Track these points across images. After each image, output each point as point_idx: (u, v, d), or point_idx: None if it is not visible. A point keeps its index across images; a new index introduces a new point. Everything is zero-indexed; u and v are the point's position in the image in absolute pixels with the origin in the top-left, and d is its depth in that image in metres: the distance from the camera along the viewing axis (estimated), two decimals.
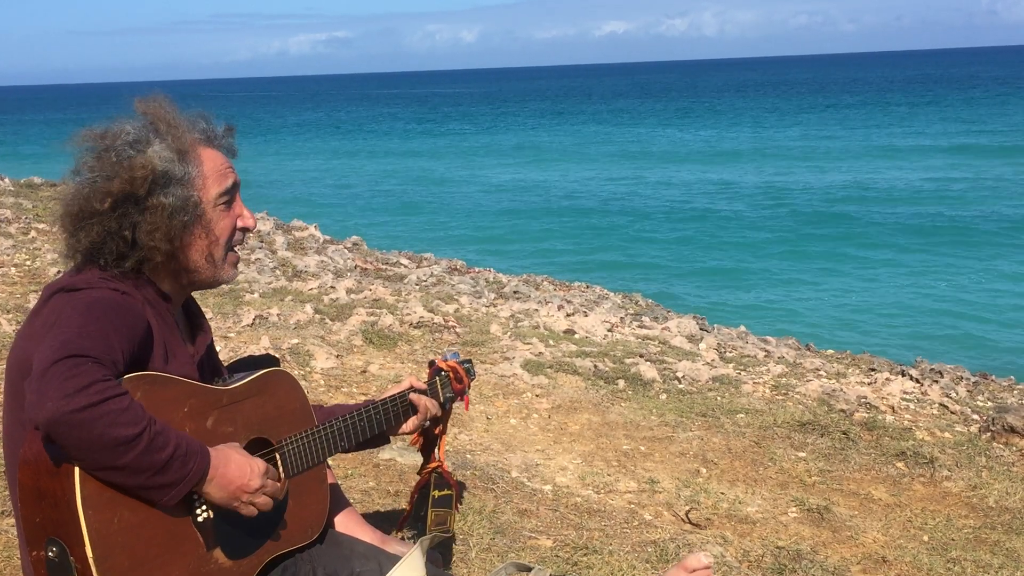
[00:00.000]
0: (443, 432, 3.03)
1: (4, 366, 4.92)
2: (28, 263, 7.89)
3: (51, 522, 1.91)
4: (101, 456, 1.84)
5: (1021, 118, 54.98)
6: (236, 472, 2.04)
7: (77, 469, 1.87)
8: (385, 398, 2.73)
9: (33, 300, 6.52)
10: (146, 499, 1.94)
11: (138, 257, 2.13)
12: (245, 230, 2.30)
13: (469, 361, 3.09)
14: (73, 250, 2.16)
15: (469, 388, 3.04)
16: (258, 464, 2.10)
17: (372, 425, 2.65)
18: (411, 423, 2.79)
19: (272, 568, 2.30)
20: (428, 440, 3.04)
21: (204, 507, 2.07)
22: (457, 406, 3.05)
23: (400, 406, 2.76)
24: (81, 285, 2.08)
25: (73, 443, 1.82)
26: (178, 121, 2.21)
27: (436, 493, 3.03)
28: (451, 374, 2.96)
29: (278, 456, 2.30)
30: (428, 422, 2.88)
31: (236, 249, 2.30)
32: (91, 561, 1.87)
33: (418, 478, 3.13)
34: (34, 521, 1.93)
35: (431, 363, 3.00)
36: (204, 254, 2.21)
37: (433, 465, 3.05)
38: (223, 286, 2.72)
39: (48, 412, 1.79)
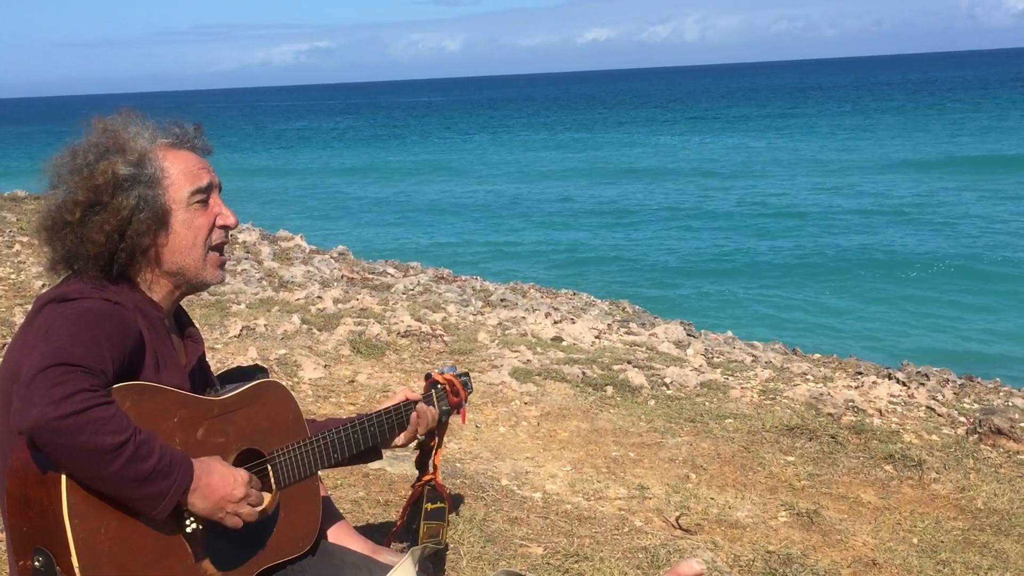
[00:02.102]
0: (438, 445, 3.02)
1: None
2: (12, 276, 7.85)
3: (38, 531, 1.90)
4: (87, 464, 1.84)
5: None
6: (219, 482, 2.04)
7: (64, 478, 1.86)
8: (380, 410, 2.71)
9: (18, 314, 6.48)
10: (136, 512, 1.94)
11: (96, 254, 2.15)
12: (226, 228, 2.32)
13: (466, 374, 3.08)
14: (53, 262, 2.21)
15: (466, 401, 3.02)
16: (241, 474, 2.10)
17: (366, 437, 2.63)
18: (406, 434, 2.78)
19: None
20: (423, 452, 3.03)
21: (193, 518, 2.06)
22: (453, 419, 3.05)
23: (395, 419, 2.73)
24: (73, 295, 2.09)
25: (58, 450, 1.83)
26: (139, 129, 2.25)
27: (429, 506, 3.02)
28: (447, 387, 2.95)
29: (270, 467, 2.29)
30: (423, 436, 2.87)
31: (222, 251, 2.32)
32: (77, 571, 1.87)
33: (411, 490, 3.12)
34: (21, 530, 1.93)
35: (427, 376, 2.99)
36: (176, 252, 2.22)
37: (427, 478, 3.04)
38: (209, 296, 2.73)
39: (33, 418, 1.80)
